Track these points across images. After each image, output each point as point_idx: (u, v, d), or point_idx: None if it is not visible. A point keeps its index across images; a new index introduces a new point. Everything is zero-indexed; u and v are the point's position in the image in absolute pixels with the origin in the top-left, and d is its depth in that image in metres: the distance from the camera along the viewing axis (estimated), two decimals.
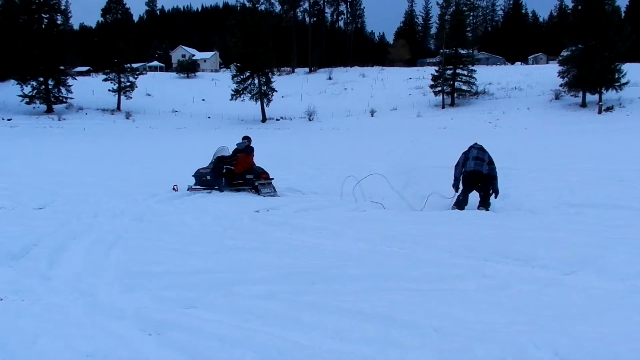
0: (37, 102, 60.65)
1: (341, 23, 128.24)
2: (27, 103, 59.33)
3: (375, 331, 3.99)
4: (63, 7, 64.07)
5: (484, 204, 9.63)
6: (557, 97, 63.67)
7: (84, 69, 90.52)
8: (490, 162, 9.76)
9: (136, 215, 9.13)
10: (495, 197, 9.82)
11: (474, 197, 9.84)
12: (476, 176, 9.64)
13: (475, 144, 10.12)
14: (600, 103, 57.34)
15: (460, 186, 9.91)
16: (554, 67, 68.47)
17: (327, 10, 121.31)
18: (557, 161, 18.10)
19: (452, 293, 4.83)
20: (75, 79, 65.00)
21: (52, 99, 61.54)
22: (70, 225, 8.15)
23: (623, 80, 57.86)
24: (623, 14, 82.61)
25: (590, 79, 57.59)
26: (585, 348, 3.58)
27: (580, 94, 60.32)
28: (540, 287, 4.93)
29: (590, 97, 59.83)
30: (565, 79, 61.31)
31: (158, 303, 4.70)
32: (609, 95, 58.90)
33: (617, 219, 8.21)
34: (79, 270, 5.74)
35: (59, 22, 63.60)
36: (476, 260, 5.98)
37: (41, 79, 60.21)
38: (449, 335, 3.91)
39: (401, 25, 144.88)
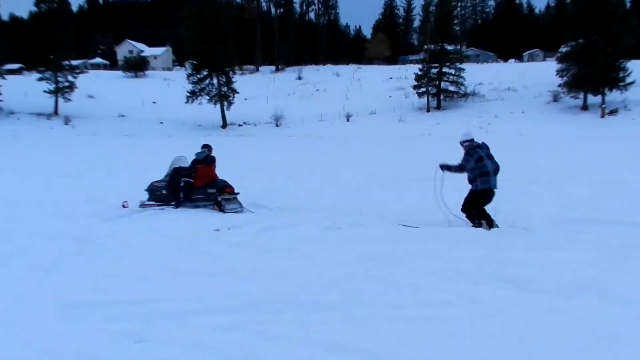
0: None
1: (312, 15, 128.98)
2: None
3: None
4: None
5: (490, 221, 9.66)
6: (555, 99, 64.05)
7: (15, 66, 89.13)
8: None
9: (76, 237, 9.04)
10: None
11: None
12: (493, 193, 9.77)
13: (484, 153, 9.82)
14: (604, 105, 57.61)
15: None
16: (551, 65, 68.84)
17: None
18: (556, 172, 18.31)
19: (438, 321, 4.89)
20: (5, 78, 63.73)
21: None
22: None
23: (628, 80, 57.75)
24: (629, 4, 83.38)
25: (592, 78, 57.68)
26: None
27: (581, 96, 60.33)
28: (535, 314, 5.01)
29: (592, 99, 60.03)
30: (564, 78, 61.17)
31: (103, 337, 4.67)
32: (613, 96, 59.02)
33: (621, 236, 8.34)
34: (10, 302, 5.67)
35: None
36: (464, 284, 6.04)
37: None
38: None
39: (380, 17, 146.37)
